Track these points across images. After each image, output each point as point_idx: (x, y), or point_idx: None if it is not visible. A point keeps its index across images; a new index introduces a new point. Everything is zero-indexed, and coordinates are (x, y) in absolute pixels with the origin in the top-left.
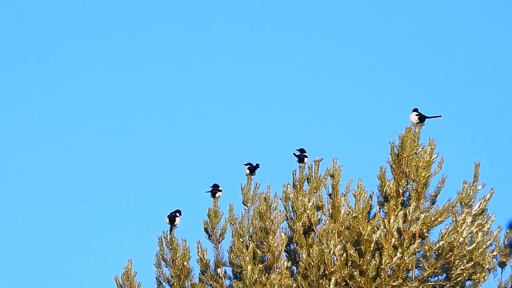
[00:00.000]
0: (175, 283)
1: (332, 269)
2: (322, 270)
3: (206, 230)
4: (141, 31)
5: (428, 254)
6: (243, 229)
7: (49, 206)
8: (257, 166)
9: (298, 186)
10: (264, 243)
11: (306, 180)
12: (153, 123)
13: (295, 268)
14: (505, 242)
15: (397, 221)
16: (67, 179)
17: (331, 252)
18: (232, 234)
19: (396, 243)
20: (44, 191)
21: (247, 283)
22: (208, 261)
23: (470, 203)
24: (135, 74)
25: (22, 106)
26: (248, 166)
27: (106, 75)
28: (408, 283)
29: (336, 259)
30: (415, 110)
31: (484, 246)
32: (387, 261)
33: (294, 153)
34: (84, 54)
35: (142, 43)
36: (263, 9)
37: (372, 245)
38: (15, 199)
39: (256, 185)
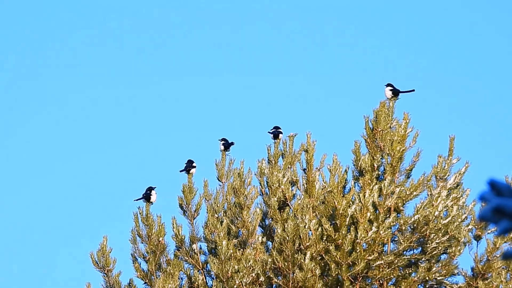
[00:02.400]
0: (151, 259)
1: (308, 244)
2: (298, 244)
3: (181, 206)
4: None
5: (403, 228)
6: (218, 205)
7: (22, 183)
8: (232, 143)
9: (273, 162)
10: (239, 218)
11: (281, 156)
12: (129, 101)
13: (270, 243)
14: (480, 215)
15: (372, 195)
16: (42, 155)
17: (306, 227)
18: (207, 210)
19: (371, 217)
20: (18, 166)
21: (222, 259)
22: (183, 237)
23: (445, 177)
24: (111, 53)
25: None
26: (223, 142)
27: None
28: (383, 257)
29: (311, 234)
30: (389, 84)
31: (459, 220)
32: (363, 235)
33: (269, 132)
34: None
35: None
36: None
37: (347, 219)
38: None
39: (231, 161)
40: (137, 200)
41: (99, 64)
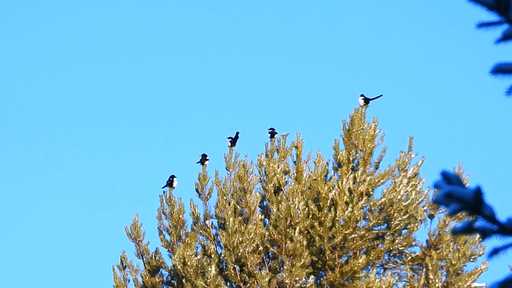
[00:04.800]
0: (173, 232)
1: (297, 221)
2: (289, 221)
3: (197, 190)
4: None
5: (372, 208)
6: (226, 189)
7: (70, 170)
8: (237, 134)
9: (270, 155)
10: (243, 200)
11: (276, 151)
12: (155, 108)
13: (267, 220)
14: (433, 199)
15: (348, 182)
16: (88, 150)
17: (296, 207)
18: (218, 193)
19: (347, 199)
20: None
21: (230, 232)
22: (198, 215)
23: (405, 168)
24: (125, 44)
25: None
26: (229, 139)
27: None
28: (357, 231)
29: (300, 213)
30: (362, 95)
31: (417, 202)
32: (341, 214)
33: (268, 132)
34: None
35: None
36: None
37: (329, 201)
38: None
39: (236, 154)
40: (163, 187)
41: (120, 63)
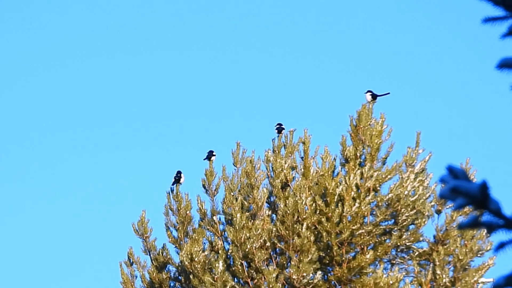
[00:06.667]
0: (180, 228)
1: (304, 216)
2: (296, 217)
3: (204, 186)
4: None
5: (380, 204)
6: (233, 185)
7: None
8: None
9: (277, 151)
10: (250, 196)
11: (283, 146)
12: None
13: (275, 215)
14: (440, 193)
15: (355, 178)
16: (99, 148)
17: (303, 203)
18: (225, 189)
19: (354, 195)
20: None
21: (237, 228)
22: (205, 211)
23: (413, 164)
24: (141, 44)
25: None
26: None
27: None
28: (364, 227)
29: (307, 208)
30: (369, 91)
31: (424, 198)
32: (348, 209)
33: (275, 128)
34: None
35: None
36: None
37: (336, 197)
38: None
39: (244, 150)
40: (173, 184)
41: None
